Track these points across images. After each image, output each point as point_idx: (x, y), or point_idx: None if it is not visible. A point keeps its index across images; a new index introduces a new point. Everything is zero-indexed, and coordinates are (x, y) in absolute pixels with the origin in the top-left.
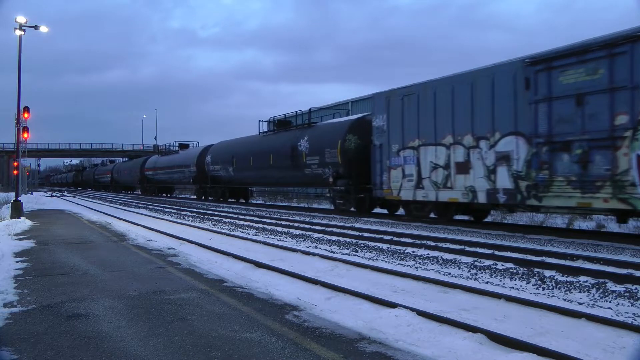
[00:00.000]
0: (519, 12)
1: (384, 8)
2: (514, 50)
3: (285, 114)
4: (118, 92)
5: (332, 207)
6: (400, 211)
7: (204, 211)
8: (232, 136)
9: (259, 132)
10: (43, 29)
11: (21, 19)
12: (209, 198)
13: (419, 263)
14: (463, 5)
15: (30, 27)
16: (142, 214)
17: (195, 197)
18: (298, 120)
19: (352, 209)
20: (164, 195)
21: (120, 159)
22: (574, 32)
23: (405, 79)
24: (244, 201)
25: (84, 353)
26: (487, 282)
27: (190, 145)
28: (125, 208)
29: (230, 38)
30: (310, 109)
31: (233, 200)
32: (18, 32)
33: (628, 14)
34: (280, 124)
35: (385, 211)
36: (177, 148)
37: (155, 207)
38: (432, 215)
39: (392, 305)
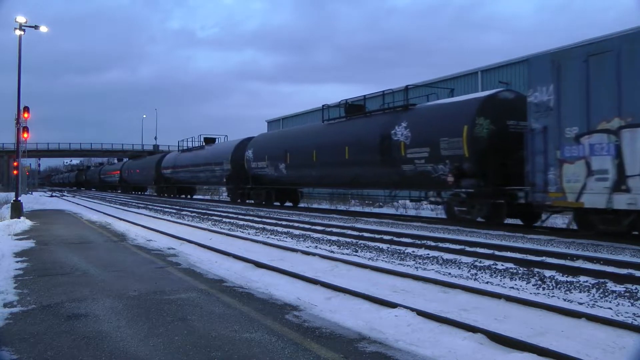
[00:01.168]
0: (517, 13)
1: (383, 9)
2: (513, 50)
3: (364, 95)
4: (118, 92)
5: (443, 216)
6: (554, 222)
7: (204, 211)
8: (233, 136)
9: (323, 120)
10: (43, 29)
11: (21, 19)
12: (247, 201)
13: (419, 263)
14: (461, 6)
15: (30, 27)
16: (142, 214)
17: (229, 199)
18: (373, 105)
19: (480, 219)
20: (185, 197)
21: (124, 158)
22: (571, 33)
23: (404, 80)
24: (291, 204)
25: (84, 353)
26: (487, 282)
27: (218, 139)
28: (125, 208)
29: (230, 38)
30: (407, 86)
31: (278, 203)
32: (18, 32)
33: (625, 15)
34: (352, 109)
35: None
36: (201, 143)
37: (155, 207)
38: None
39: (392, 305)
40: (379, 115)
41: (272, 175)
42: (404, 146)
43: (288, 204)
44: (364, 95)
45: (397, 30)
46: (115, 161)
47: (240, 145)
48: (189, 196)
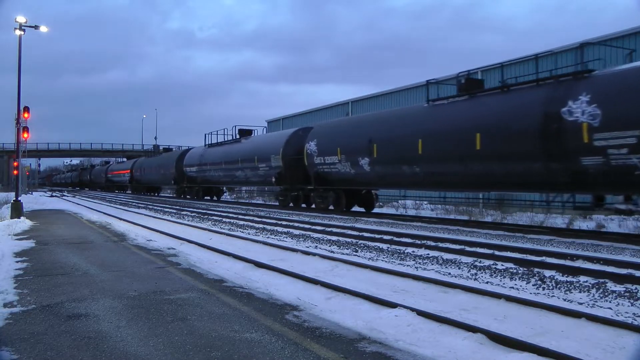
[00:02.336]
0: (514, 14)
1: (380, 10)
2: (510, 51)
3: (480, 68)
4: (117, 92)
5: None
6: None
7: (204, 211)
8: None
9: (428, 102)
10: (43, 29)
11: (21, 19)
12: (298, 204)
13: (419, 263)
14: (458, 7)
15: (30, 27)
16: (142, 214)
17: (278, 203)
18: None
19: None
20: (212, 199)
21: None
22: (568, 33)
23: (403, 80)
24: (364, 210)
25: (84, 353)
26: (487, 282)
27: (255, 132)
28: (125, 208)
29: (228, 39)
30: (582, 44)
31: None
32: (18, 32)
33: (621, 16)
34: (471, 85)
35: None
36: (235, 136)
37: (156, 207)
38: None
39: (392, 305)
40: (530, 88)
41: (347, 174)
42: (588, 129)
43: (357, 208)
44: (480, 68)
45: (395, 31)
46: (122, 160)
47: (295, 137)
48: (216, 198)
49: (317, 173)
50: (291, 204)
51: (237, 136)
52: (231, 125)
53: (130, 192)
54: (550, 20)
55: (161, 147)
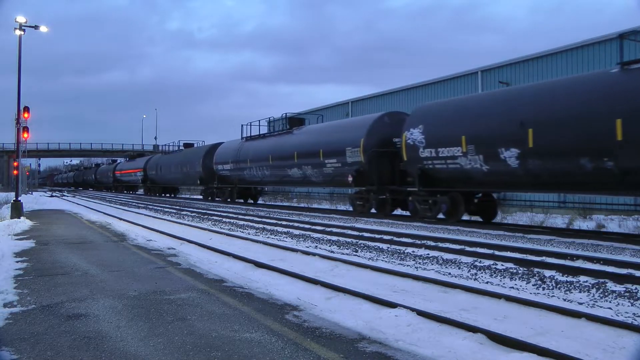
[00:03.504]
0: (512, 15)
1: (378, 10)
2: (508, 52)
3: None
4: (117, 93)
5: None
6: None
7: (204, 211)
8: (234, 136)
9: (622, 65)
10: (43, 28)
11: (21, 19)
12: (384, 211)
13: (419, 263)
14: (457, 8)
15: (30, 27)
16: (142, 214)
17: (352, 209)
18: None
19: None
20: (245, 201)
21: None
22: (565, 34)
23: (402, 80)
24: (481, 220)
25: (84, 353)
26: (487, 282)
27: (307, 121)
28: (125, 208)
29: (227, 40)
30: None
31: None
32: (18, 32)
33: (618, 17)
34: None
35: None
36: (283, 126)
37: (155, 207)
38: None
39: (392, 305)
40: None
41: (474, 171)
42: None
43: (466, 217)
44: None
45: (394, 32)
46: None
47: (379, 125)
48: (253, 201)
49: (422, 170)
50: (373, 210)
51: (288, 126)
52: (231, 125)
53: (142, 193)
54: (547, 21)
55: (181, 143)
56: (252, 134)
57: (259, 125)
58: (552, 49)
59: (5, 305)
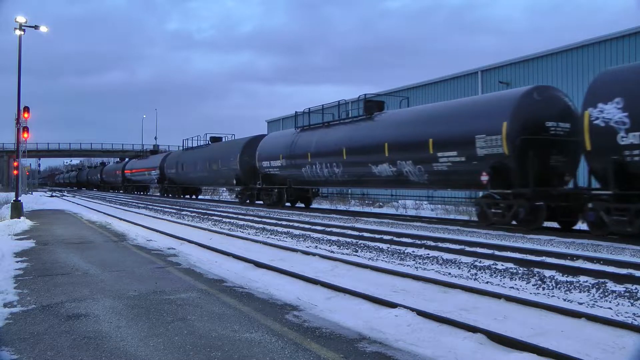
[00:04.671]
0: (508, 16)
1: (376, 11)
2: (505, 52)
3: None
4: (117, 93)
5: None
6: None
7: (204, 211)
8: (236, 136)
9: None
10: (43, 29)
11: (21, 19)
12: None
13: (419, 263)
14: (453, 9)
15: (30, 27)
16: (142, 214)
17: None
18: None
19: None
20: (309, 207)
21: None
22: (562, 34)
23: (402, 80)
24: None
25: (84, 353)
26: (487, 282)
27: (387, 107)
28: (125, 208)
29: (226, 41)
30: None
31: None
32: (18, 32)
33: (616, 18)
34: None
35: None
36: (358, 113)
37: (155, 207)
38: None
39: (392, 305)
40: None
41: None
42: None
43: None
44: None
45: (391, 32)
46: (149, 154)
47: (528, 101)
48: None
49: (620, 164)
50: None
51: (362, 114)
52: (230, 125)
53: (158, 194)
54: (544, 22)
55: (208, 137)
56: (310, 123)
57: (323, 112)
58: (552, 48)
59: (5, 305)
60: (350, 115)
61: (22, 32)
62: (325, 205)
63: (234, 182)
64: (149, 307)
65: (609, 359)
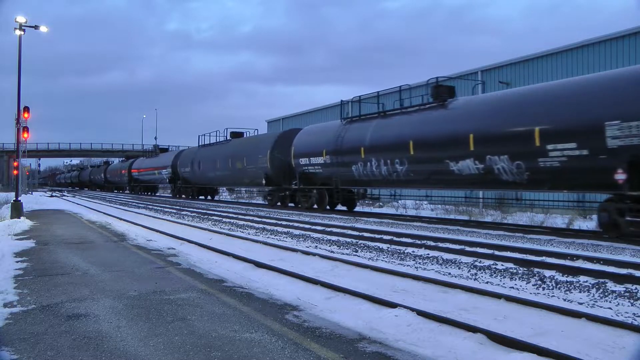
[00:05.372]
0: (507, 16)
1: (374, 12)
2: (504, 53)
3: None
4: (117, 93)
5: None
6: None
7: (204, 211)
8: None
9: None
10: (43, 28)
11: (21, 19)
12: None
13: (419, 263)
14: (451, 9)
15: (30, 27)
16: (142, 214)
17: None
18: None
19: None
20: (352, 211)
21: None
22: (560, 35)
23: (399, 80)
24: None
25: (84, 353)
26: (487, 282)
27: (458, 96)
28: (125, 208)
29: (225, 41)
30: None
31: None
32: (18, 32)
33: (615, 18)
34: None
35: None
36: (422, 101)
37: (155, 207)
38: None
39: (392, 305)
40: None
41: None
42: None
43: None
44: None
45: (390, 32)
46: (159, 151)
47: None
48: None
49: None
50: None
51: (431, 98)
52: (230, 125)
53: (169, 195)
54: (543, 23)
55: (229, 131)
56: (361, 113)
57: (378, 100)
58: (552, 48)
59: (5, 305)
60: (412, 104)
61: (22, 32)
62: (368, 208)
63: (263, 181)
64: (149, 307)
65: (609, 359)
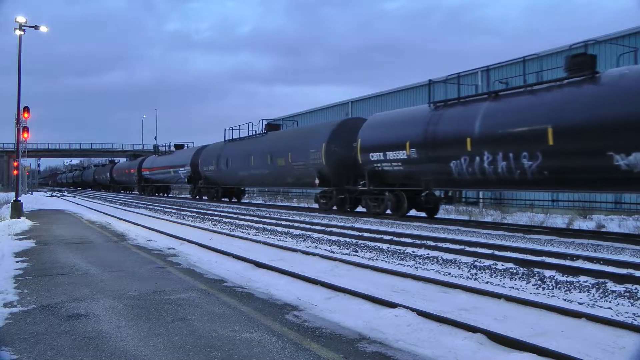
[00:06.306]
0: (505, 17)
1: (373, 12)
2: (503, 53)
3: None
4: (117, 93)
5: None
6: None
7: (204, 211)
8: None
9: None
10: (43, 28)
11: (21, 19)
12: None
13: (419, 263)
14: (450, 10)
15: (30, 27)
16: (142, 214)
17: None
18: None
19: None
20: (434, 218)
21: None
22: (559, 35)
23: (398, 81)
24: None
25: (84, 353)
26: (487, 282)
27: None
28: (125, 208)
29: (225, 42)
30: None
31: None
32: (18, 32)
33: (611, 18)
34: None
35: None
36: (537, 79)
37: (155, 207)
38: None
39: (392, 305)
40: None
41: None
42: None
43: None
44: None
45: (388, 33)
46: (174, 148)
47: None
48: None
49: None
50: None
51: (567, 72)
52: (229, 125)
53: (188, 196)
54: (541, 22)
55: (264, 122)
56: (459, 95)
57: (488, 75)
58: (552, 48)
59: (5, 305)
60: (539, 80)
61: (22, 32)
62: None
63: (316, 181)
64: (149, 307)
65: (609, 359)
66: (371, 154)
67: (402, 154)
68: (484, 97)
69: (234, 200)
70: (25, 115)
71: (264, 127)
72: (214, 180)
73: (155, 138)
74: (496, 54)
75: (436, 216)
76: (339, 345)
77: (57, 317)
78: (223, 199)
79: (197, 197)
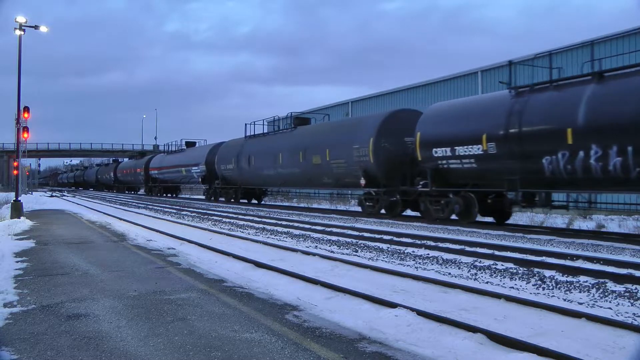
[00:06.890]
0: (503, 18)
1: (372, 13)
2: (501, 54)
3: None
4: (116, 94)
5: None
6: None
7: (204, 211)
8: (237, 136)
9: None
10: (43, 29)
11: (21, 19)
12: None
13: (419, 263)
14: (448, 11)
15: (30, 27)
16: (142, 214)
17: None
18: None
19: None
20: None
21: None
22: (557, 35)
23: (399, 81)
24: None
25: (84, 353)
26: (487, 282)
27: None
28: (125, 208)
29: (224, 42)
30: None
31: None
32: (18, 32)
33: (614, 18)
34: None
35: None
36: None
37: (155, 207)
38: None
39: (392, 305)
40: None
41: None
42: None
43: None
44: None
45: (387, 34)
46: (182, 146)
47: None
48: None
49: None
50: None
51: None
52: (230, 125)
53: (202, 197)
54: (539, 23)
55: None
56: (551, 78)
57: (593, 52)
58: (551, 49)
59: (5, 305)
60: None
61: (22, 32)
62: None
63: (362, 182)
64: (149, 307)
65: (609, 359)
66: (434, 149)
67: (476, 149)
68: (585, 79)
69: (254, 201)
70: (25, 115)
71: (291, 121)
72: (233, 180)
73: (155, 138)
74: (495, 55)
75: (508, 222)
76: (339, 345)
77: (57, 317)
78: (242, 200)
79: (212, 198)
